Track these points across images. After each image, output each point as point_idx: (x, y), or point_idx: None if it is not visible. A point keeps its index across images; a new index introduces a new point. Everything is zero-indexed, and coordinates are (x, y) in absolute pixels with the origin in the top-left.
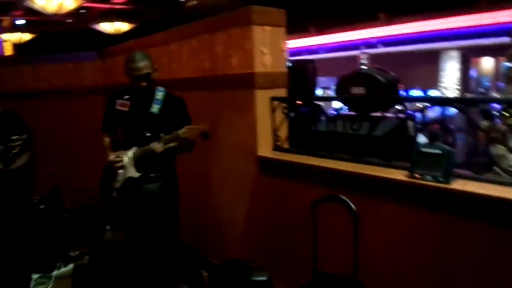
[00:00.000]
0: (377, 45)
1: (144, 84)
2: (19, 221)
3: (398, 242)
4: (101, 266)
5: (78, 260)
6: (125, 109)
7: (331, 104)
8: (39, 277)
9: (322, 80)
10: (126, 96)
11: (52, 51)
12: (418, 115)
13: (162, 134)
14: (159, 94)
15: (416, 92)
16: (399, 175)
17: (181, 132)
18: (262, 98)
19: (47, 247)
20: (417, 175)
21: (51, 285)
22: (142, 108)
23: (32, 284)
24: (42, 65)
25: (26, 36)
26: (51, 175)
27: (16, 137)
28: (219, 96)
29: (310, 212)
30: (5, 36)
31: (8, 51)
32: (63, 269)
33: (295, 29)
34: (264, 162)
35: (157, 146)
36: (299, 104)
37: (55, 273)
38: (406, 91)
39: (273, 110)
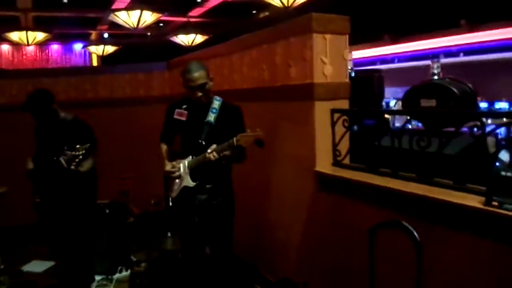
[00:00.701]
0: (458, 53)
1: (199, 94)
2: (84, 224)
3: (468, 281)
4: (157, 276)
5: (135, 267)
6: (183, 118)
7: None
8: (101, 279)
9: (396, 90)
10: (184, 106)
11: (133, 62)
12: (501, 131)
13: (214, 145)
14: (216, 103)
15: (502, 105)
16: (473, 201)
17: (235, 139)
18: (322, 110)
19: (111, 250)
20: (495, 203)
21: None
22: (199, 117)
23: (94, 285)
24: (117, 75)
25: (110, 49)
26: (122, 181)
27: (79, 146)
28: (278, 107)
29: (368, 236)
30: (92, 48)
31: (94, 62)
32: (124, 273)
33: (369, 37)
34: (322, 178)
35: (211, 155)
36: (362, 116)
37: (116, 276)
38: (490, 103)
39: (333, 123)
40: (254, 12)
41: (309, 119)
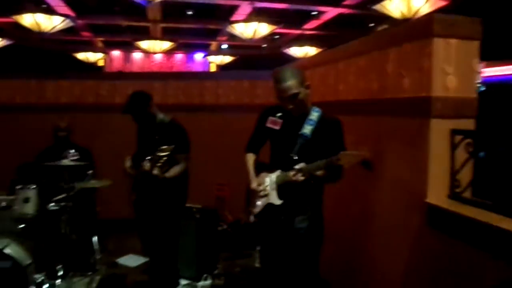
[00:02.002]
0: None
1: (290, 106)
2: (172, 226)
3: None
4: None
5: (216, 279)
6: (276, 127)
7: None
8: (186, 284)
9: None
10: (279, 114)
11: None
12: None
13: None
14: (314, 115)
15: None
16: None
17: (335, 158)
18: (439, 129)
19: (198, 256)
20: None
21: None
22: (293, 128)
23: None
24: (222, 81)
25: (227, 59)
26: (219, 186)
27: (164, 147)
28: (385, 123)
29: None
30: (211, 58)
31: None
32: (208, 281)
33: (505, 55)
34: (435, 212)
35: (297, 176)
36: (493, 140)
37: (200, 283)
38: None
39: (453, 147)
40: (371, 25)
41: (423, 140)
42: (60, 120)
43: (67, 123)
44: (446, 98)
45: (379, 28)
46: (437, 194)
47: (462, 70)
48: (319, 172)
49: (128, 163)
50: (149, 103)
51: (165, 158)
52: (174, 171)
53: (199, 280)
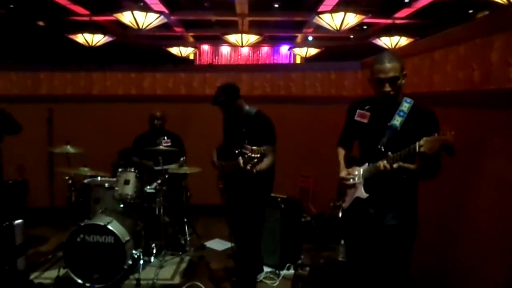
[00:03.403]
0: None
1: (387, 89)
2: (258, 214)
3: None
4: (319, 284)
5: (299, 269)
6: (365, 120)
7: None
8: (270, 272)
9: None
10: (367, 106)
11: None
12: None
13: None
14: (405, 105)
15: None
16: None
17: (418, 144)
18: None
19: (282, 245)
20: None
21: (277, 283)
22: (382, 119)
23: (262, 276)
24: (309, 73)
25: (313, 51)
26: (303, 178)
27: (255, 148)
28: (488, 116)
29: None
30: (296, 50)
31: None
32: (291, 271)
33: None
34: None
35: (383, 163)
36: None
37: (283, 272)
38: None
39: None
40: (470, 12)
41: None
42: (156, 110)
43: (162, 113)
44: None
45: (479, 15)
46: None
47: None
48: (411, 166)
49: (215, 157)
50: (237, 95)
51: (255, 161)
52: (264, 164)
53: (282, 269)
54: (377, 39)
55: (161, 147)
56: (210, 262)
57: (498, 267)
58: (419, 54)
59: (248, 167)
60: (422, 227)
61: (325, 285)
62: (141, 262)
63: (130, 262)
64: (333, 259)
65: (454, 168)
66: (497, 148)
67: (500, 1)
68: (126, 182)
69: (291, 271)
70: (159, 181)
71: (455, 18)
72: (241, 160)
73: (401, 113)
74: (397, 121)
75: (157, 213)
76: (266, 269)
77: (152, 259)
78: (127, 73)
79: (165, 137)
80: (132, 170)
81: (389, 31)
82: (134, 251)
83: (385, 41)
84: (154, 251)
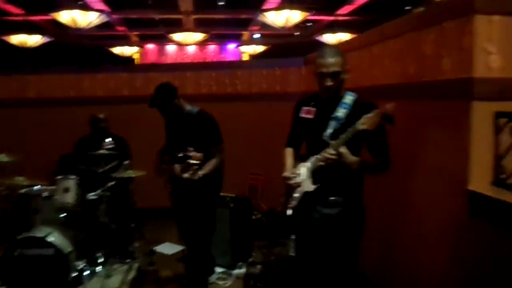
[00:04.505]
0: None
1: (329, 83)
2: (206, 215)
3: None
4: (270, 281)
5: (250, 268)
6: (310, 116)
7: None
8: (222, 272)
9: None
10: (312, 102)
11: None
12: None
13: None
14: (348, 98)
15: None
16: None
17: (359, 123)
18: (482, 112)
19: (233, 245)
20: None
21: (229, 283)
22: (327, 113)
23: (214, 277)
24: (254, 70)
25: (260, 48)
26: (253, 176)
27: (197, 155)
28: (423, 107)
29: None
30: (243, 48)
31: None
32: (244, 270)
33: None
34: (478, 200)
35: (326, 153)
36: None
37: (236, 272)
38: None
39: (497, 131)
40: (407, 8)
41: (464, 124)
42: (98, 112)
43: (105, 115)
44: (489, 79)
45: (416, 11)
46: (480, 181)
47: (506, 49)
48: (355, 158)
49: (158, 162)
50: (174, 95)
51: (195, 167)
52: (209, 166)
53: (234, 268)
54: (321, 36)
55: (102, 151)
56: (160, 267)
57: (434, 255)
58: (359, 49)
59: (186, 175)
60: (368, 218)
61: (276, 281)
62: (87, 273)
63: (74, 274)
64: (284, 255)
65: (395, 159)
66: (433, 138)
67: None
68: (66, 190)
69: (243, 270)
70: (101, 187)
71: (394, 14)
72: (177, 167)
73: (345, 106)
74: (341, 112)
75: (101, 220)
76: (218, 269)
77: (99, 268)
78: (65, 74)
79: (109, 139)
80: (72, 176)
81: (332, 27)
82: (78, 262)
83: (329, 38)
84: (100, 260)
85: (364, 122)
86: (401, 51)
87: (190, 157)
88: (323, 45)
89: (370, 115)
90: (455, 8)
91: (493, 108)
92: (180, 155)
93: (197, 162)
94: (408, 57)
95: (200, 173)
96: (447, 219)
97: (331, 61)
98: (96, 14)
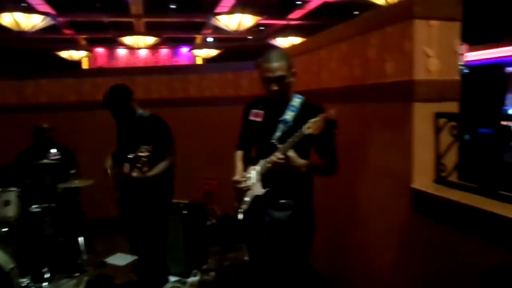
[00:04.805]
0: None
1: (275, 88)
2: (158, 223)
3: None
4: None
5: (204, 275)
6: (259, 119)
7: None
8: (176, 281)
9: None
10: (261, 105)
11: None
12: None
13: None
14: (296, 101)
15: None
16: None
17: (305, 127)
18: (423, 113)
19: (187, 252)
20: None
21: None
22: (275, 116)
23: (167, 286)
24: (206, 74)
25: (213, 52)
26: (207, 181)
27: (145, 147)
28: (369, 109)
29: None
30: (196, 52)
31: None
32: (198, 277)
33: (486, 39)
34: (420, 198)
35: (273, 157)
36: (477, 122)
37: (190, 280)
38: None
39: (437, 130)
40: (356, 13)
41: (406, 125)
42: (42, 121)
43: (49, 124)
44: (428, 81)
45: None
46: (422, 179)
47: (444, 52)
48: (302, 161)
49: (109, 163)
50: (130, 98)
51: (144, 159)
52: (159, 168)
53: (188, 276)
54: (274, 40)
55: (46, 160)
56: (112, 279)
57: (382, 252)
58: (308, 52)
59: (135, 174)
60: (321, 217)
61: (230, 287)
62: None
63: None
64: (238, 260)
65: (344, 160)
66: (379, 139)
67: (381, 3)
68: (6, 203)
69: (198, 278)
70: (46, 199)
71: (343, 19)
72: (126, 166)
73: (293, 108)
74: (289, 115)
75: (46, 233)
76: (172, 278)
77: (45, 285)
78: (5, 80)
79: (53, 150)
80: (12, 188)
81: (285, 31)
82: (21, 280)
83: (281, 42)
84: (46, 276)
85: (309, 127)
86: (348, 54)
87: (141, 157)
88: (276, 48)
89: (314, 119)
90: (396, 13)
91: (433, 109)
92: (131, 156)
93: (146, 154)
94: (354, 61)
95: (150, 173)
96: (393, 217)
97: (276, 65)
98: (41, 17)
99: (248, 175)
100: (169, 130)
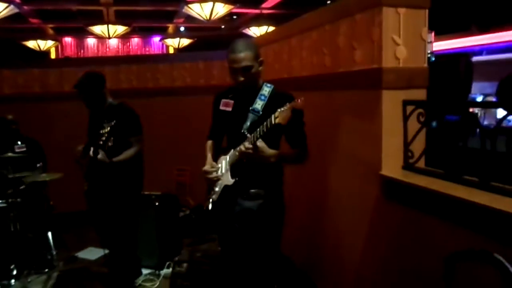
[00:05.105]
0: None
1: (241, 79)
2: (127, 215)
3: None
4: (197, 278)
5: (176, 267)
6: (229, 108)
7: (495, 115)
8: (149, 273)
9: (484, 85)
10: (231, 95)
11: None
12: None
13: (248, 136)
14: (265, 90)
15: None
16: None
17: (273, 116)
18: (391, 101)
19: (160, 244)
20: None
21: (157, 284)
22: (245, 105)
23: (141, 279)
24: (177, 64)
25: (185, 41)
26: (179, 171)
27: (107, 124)
28: (339, 97)
29: (444, 266)
30: (169, 41)
31: None
32: (170, 269)
33: (453, 28)
34: (389, 184)
35: (242, 146)
36: (443, 109)
37: (164, 272)
38: None
39: (406, 118)
40: (328, 2)
41: (375, 112)
42: (6, 112)
43: (13, 116)
44: (397, 69)
45: None
46: (391, 166)
47: (412, 40)
48: (272, 151)
49: (79, 149)
50: (103, 85)
51: (106, 136)
52: (125, 154)
53: (162, 268)
54: (247, 29)
55: (10, 154)
56: (83, 274)
57: (353, 239)
58: (279, 40)
59: (100, 156)
60: (292, 205)
61: (203, 278)
62: None
63: None
64: (211, 251)
65: (315, 148)
66: (349, 127)
67: None
68: None
69: (170, 269)
70: (11, 193)
71: (316, 8)
72: (92, 149)
73: (262, 97)
74: (258, 104)
75: (12, 229)
76: (145, 271)
77: (13, 282)
78: None
79: (18, 142)
80: None
81: (258, 20)
82: None
83: (255, 31)
84: (14, 272)
85: (277, 116)
86: (318, 43)
87: (102, 134)
88: (249, 37)
89: (282, 109)
90: (365, 0)
91: (401, 96)
92: (100, 142)
93: (107, 129)
94: (325, 49)
95: (116, 158)
96: (363, 204)
97: (241, 56)
98: (4, 5)
99: (218, 165)
100: (137, 118)
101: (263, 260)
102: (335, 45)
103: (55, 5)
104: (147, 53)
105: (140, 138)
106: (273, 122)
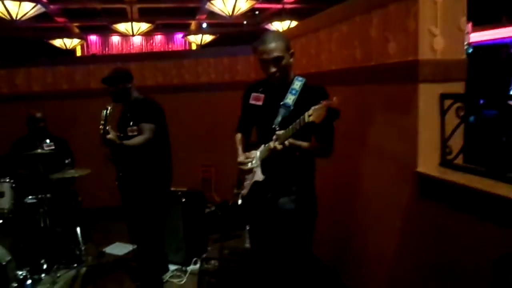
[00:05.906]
0: None
1: (273, 70)
2: (154, 211)
3: None
4: (225, 276)
5: (204, 264)
6: (259, 103)
7: None
8: (175, 270)
9: None
10: (261, 88)
11: None
12: None
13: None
14: (297, 84)
15: None
16: None
17: (307, 114)
18: (428, 94)
19: (186, 240)
20: None
21: (184, 280)
22: (275, 99)
23: (168, 275)
24: (201, 59)
25: (208, 38)
26: (204, 167)
27: (133, 128)
28: (371, 91)
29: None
30: (191, 38)
31: None
32: (198, 265)
33: (484, 19)
34: (426, 182)
35: (276, 143)
36: (484, 103)
37: (190, 268)
38: None
39: (443, 112)
40: None
41: (411, 106)
42: (35, 111)
43: (42, 113)
44: (434, 61)
45: None
46: (428, 163)
47: (449, 30)
48: (303, 143)
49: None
50: (129, 80)
51: (109, 112)
52: (137, 140)
53: (189, 265)
54: (270, 24)
55: (39, 150)
56: (111, 269)
57: (385, 237)
58: (305, 34)
59: (110, 136)
60: (321, 204)
61: (231, 275)
62: (29, 282)
63: (15, 284)
64: (239, 248)
65: (347, 144)
66: (382, 122)
67: None
68: (1, 194)
69: (198, 266)
70: (41, 189)
71: (339, 2)
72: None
73: (293, 92)
74: (289, 99)
75: (42, 224)
76: (172, 267)
77: (43, 276)
78: None
79: (47, 140)
80: (7, 180)
81: (280, 15)
82: (18, 272)
83: (277, 26)
84: (44, 267)
85: (311, 114)
86: (348, 35)
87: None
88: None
89: (316, 107)
90: None
91: (438, 90)
92: (121, 135)
93: (110, 111)
94: (355, 42)
95: (127, 142)
96: (397, 202)
97: (272, 46)
98: (31, 4)
99: (252, 156)
100: (154, 107)
101: (294, 259)
102: (366, 38)
103: (80, 4)
104: (170, 49)
105: (152, 128)
106: (306, 120)
